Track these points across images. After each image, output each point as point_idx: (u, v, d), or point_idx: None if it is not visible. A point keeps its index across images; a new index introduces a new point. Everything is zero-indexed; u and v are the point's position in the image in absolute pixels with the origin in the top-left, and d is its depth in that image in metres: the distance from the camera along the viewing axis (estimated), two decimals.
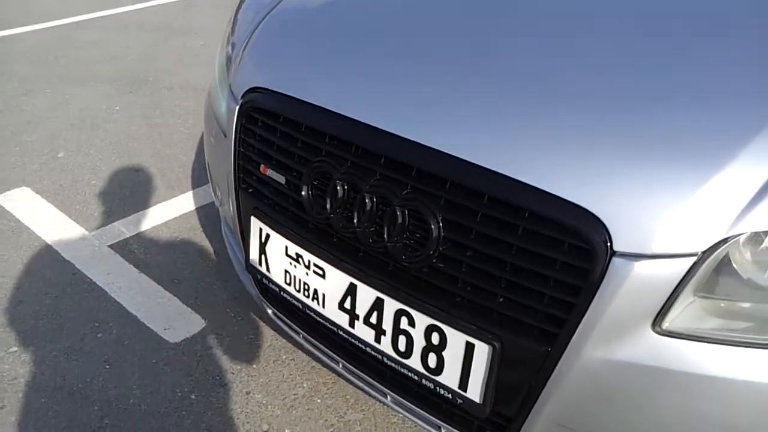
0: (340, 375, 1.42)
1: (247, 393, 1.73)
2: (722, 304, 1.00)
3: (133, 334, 1.91)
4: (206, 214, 2.48)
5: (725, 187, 0.93)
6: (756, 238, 0.97)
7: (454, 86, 1.17)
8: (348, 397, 1.72)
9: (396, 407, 1.34)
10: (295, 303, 1.38)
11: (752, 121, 0.98)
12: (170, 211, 2.49)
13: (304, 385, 1.75)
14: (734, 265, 0.99)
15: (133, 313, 1.99)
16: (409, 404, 1.28)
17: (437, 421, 1.25)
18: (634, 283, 0.95)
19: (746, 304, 1.00)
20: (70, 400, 1.71)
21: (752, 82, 1.05)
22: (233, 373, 1.79)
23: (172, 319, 1.97)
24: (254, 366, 1.81)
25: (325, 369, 1.79)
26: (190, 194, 2.60)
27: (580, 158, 1.00)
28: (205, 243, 2.32)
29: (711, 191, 0.94)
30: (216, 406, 1.69)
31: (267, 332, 1.92)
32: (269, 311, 1.55)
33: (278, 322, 1.54)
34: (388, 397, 1.33)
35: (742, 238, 0.95)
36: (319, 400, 1.71)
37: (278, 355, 1.85)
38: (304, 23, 1.51)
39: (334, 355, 1.39)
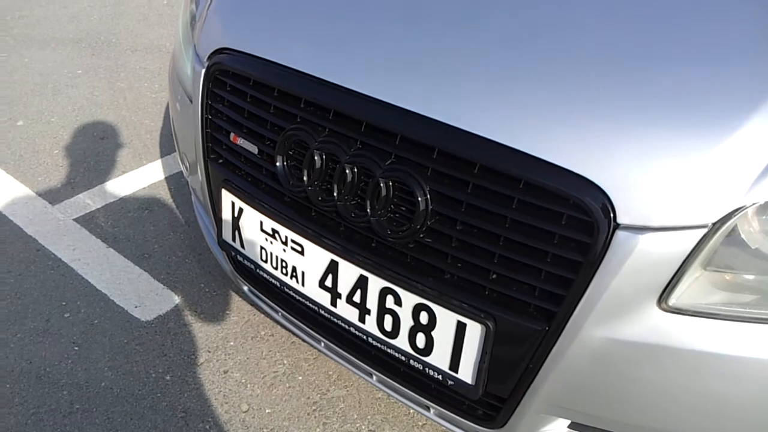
0: (328, 356, 1.35)
1: (225, 372, 1.66)
2: (727, 277, 0.94)
3: (103, 314, 1.82)
4: (176, 183, 2.37)
5: (738, 152, 0.86)
6: (765, 205, 0.91)
7: (441, 48, 1.07)
8: (330, 373, 1.66)
9: (382, 387, 1.28)
10: (273, 281, 1.30)
11: (766, 81, 0.90)
12: (138, 181, 2.37)
13: (285, 362, 1.68)
14: (742, 235, 0.92)
15: (101, 290, 1.89)
16: (396, 384, 1.21)
17: (426, 401, 1.18)
18: (638, 258, 0.88)
19: (752, 276, 0.94)
20: (38, 385, 1.62)
21: (764, 37, 0.97)
22: (209, 352, 1.71)
23: (143, 296, 1.88)
24: (231, 343, 1.73)
25: (306, 344, 1.72)
26: (158, 163, 2.47)
27: (580, 123, 0.92)
28: (176, 214, 2.21)
29: (723, 157, 0.86)
30: (192, 387, 1.62)
31: (244, 307, 1.84)
32: (245, 288, 1.47)
33: (255, 299, 1.46)
34: (374, 377, 1.27)
35: (754, 206, 0.88)
36: (300, 377, 1.64)
37: (256, 331, 1.77)
38: None
39: (316, 334, 1.31)
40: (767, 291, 0.93)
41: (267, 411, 1.56)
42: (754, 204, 0.86)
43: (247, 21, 1.32)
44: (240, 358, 1.70)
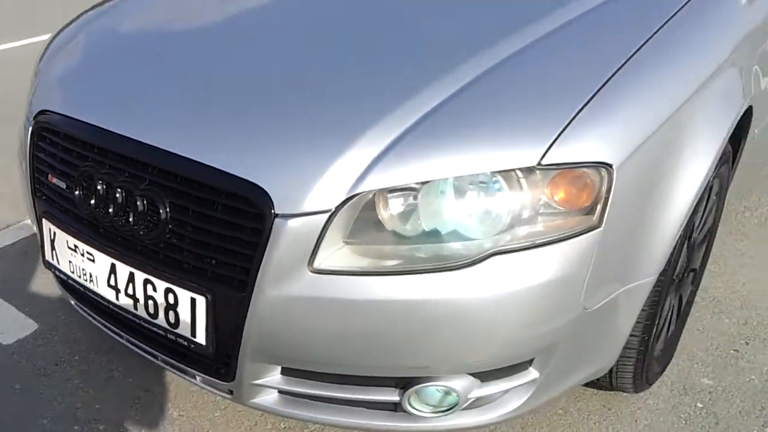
0: (130, 348, 1.68)
1: (67, 380, 1.97)
2: (374, 248, 1.33)
3: None
4: None
5: (344, 162, 1.29)
6: (400, 197, 1.31)
7: (176, 102, 1.50)
8: (155, 375, 1.98)
9: (167, 366, 1.62)
10: (81, 288, 1.64)
11: (372, 110, 1.34)
12: (18, 233, 2.70)
13: (120, 369, 2.00)
14: (378, 217, 1.33)
15: None
16: (172, 360, 1.55)
17: (192, 370, 1.53)
18: (290, 236, 1.27)
19: (393, 247, 1.33)
20: None
21: (376, 77, 1.42)
22: (57, 365, 2.02)
23: (7, 325, 2.18)
24: (76, 357, 2.05)
25: (138, 355, 2.04)
26: None
27: (252, 146, 1.34)
28: None
29: (335, 165, 1.28)
30: (37, 392, 1.92)
31: (92, 331, 2.16)
32: (72, 302, 1.81)
33: (79, 311, 1.80)
34: (159, 359, 1.61)
35: (380, 197, 1.30)
36: (130, 380, 1.96)
37: (99, 347, 2.09)
38: (81, 52, 1.81)
39: (119, 331, 1.66)
40: (407, 256, 1.32)
41: (96, 407, 1.87)
42: (360, 193, 1.27)
43: (60, 88, 1.72)
44: (83, 368, 2.01)
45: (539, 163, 1.27)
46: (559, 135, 1.28)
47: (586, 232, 1.30)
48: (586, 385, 1.90)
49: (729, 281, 2.44)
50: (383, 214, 1.33)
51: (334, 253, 1.30)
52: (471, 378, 1.39)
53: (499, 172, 1.27)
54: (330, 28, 1.69)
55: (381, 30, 1.65)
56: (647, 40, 1.53)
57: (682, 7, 1.70)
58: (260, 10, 1.82)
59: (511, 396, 1.44)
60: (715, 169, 1.64)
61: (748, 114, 1.88)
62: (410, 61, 1.49)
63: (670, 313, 1.85)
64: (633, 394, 1.92)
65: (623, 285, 1.43)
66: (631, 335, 1.61)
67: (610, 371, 1.72)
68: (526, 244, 1.27)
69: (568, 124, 1.29)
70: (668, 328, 1.89)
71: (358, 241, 1.32)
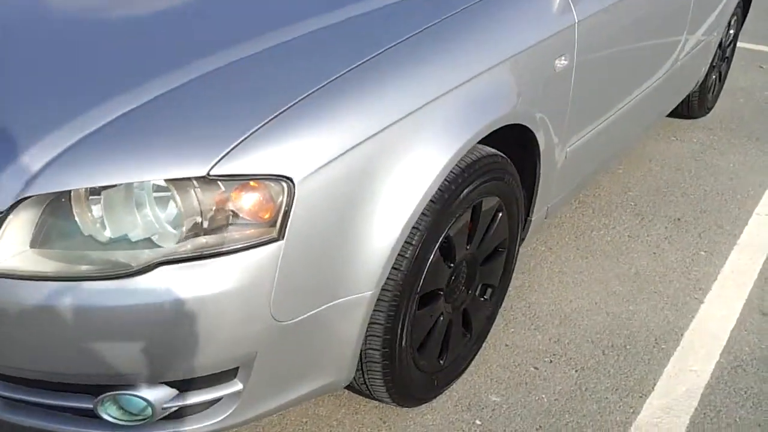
0: None
1: None
2: (67, 253, 1.32)
3: None
4: None
5: (16, 164, 1.29)
6: (96, 203, 1.31)
7: None
8: None
9: None
10: None
11: (54, 114, 1.35)
12: None
13: None
14: (78, 224, 1.33)
15: None
16: None
17: None
18: None
19: (89, 253, 1.32)
20: None
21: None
22: None
23: None
24: None
25: None
26: None
27: None
28: None
29: (7, 168, 1.28)
30: None
31: None
32: None
33: None
34: None
35: (77, 202, 1.29)
36: None
37: None
38: None
39: None
40: (102, 261, 1.31)
41: None
42: (31, 197, 1.27)
43: None
44: None
45: (209, 173, 1.27)
46: (234, 147, 1.28)
47: (266, 244, 1.30)
48: (368, 397, 1.90)
49: (557, 298, 2.44)
50: (80, 220, 1.33)
51: (15, 257, 1.30)
52: (166, 387, 1.38)
53: (172, 180, 1.28)
54: (51, 31, 1.71)
55: (94, 38, 1.66)
56: (365, 61, 1.50)
57: (438, 21, 1.68)
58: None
59: (217, 408, 1.44)
60: (465, 184, 1.62)
61: (523, 133, 1.86)
62: (108, 69, 1.50)
63: (443, 329, 1.85)
64: (413, 408, 1.93)
65: (330, 300, 1.43)
66: (370, 349, 1.61)
67: (367, 384, 1.73)
68: (197, 254, 1.27)
69: (247, 137, 1.29)
70: (446, 344, 1.89)
71: (51, 246, 1.31)
